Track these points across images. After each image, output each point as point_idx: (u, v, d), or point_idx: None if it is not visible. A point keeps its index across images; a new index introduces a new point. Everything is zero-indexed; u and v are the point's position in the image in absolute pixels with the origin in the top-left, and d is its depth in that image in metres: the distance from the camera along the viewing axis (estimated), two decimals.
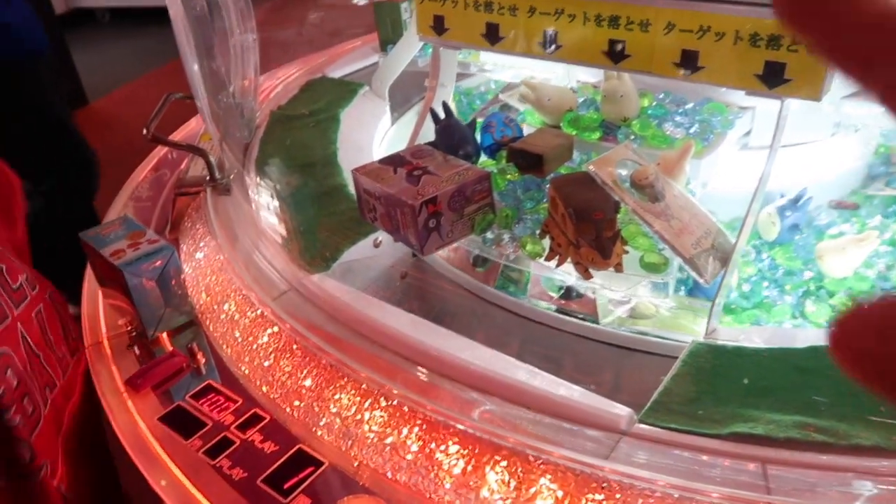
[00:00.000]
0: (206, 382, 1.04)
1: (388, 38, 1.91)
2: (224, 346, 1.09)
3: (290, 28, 2.20)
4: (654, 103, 1.27)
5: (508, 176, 1.12)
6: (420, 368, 0.93)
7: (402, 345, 0.96)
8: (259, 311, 1.07)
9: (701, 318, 0.99)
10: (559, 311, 1.09)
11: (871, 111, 1.32)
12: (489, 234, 1.03)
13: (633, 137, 1.20)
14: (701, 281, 0.92)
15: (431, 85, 1.30)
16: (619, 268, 0.94)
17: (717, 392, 0.85)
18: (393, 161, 1.09)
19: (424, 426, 0.85)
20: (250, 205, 1.30)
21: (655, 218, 0.94)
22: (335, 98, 1.81)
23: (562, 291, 1.10)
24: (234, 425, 0.96)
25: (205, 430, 0.95)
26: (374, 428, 0.89)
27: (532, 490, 0.77)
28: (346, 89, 1.86)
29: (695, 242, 0.95)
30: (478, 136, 1.23)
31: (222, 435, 0.94)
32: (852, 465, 0.73)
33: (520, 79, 1.88)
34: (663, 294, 0.98)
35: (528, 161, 1.11)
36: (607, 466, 0.77)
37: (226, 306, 1.11)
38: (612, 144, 1.23)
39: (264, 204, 1.30)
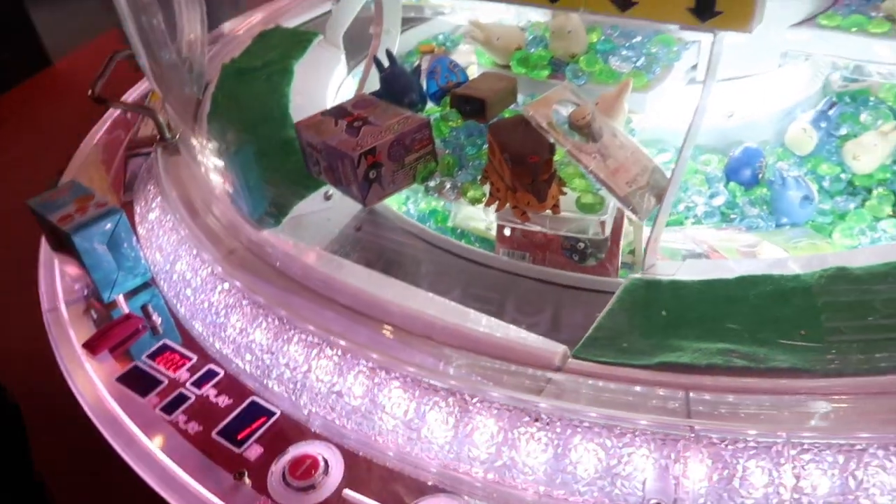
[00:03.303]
0: (161, 342, 1.06)
1: None
2: (178, 305, 1.11)
3: None
4: (603, 38, 1.26)
5: (451, 122, 1.12)
6: (363, 317, 0.95)
7: (343, 295, 0.98)
8: (209, 269, 1.09)
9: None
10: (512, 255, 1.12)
11: (820, 38, 1.32)
12: (431, 183, 1.03)
13: (580, 73, 1.19)
14: (635, 218, 0.94)
15: (376, 32, 1.29)
16: (555, 209, 0.95)
17: (649, 325, 0.87)
18: (335, 112, 1.09)
19: (367, 373, 0.88)
20: (198, 163, 1.29)
21: (590, 158, 0.95)
22: (288, 49, 1.78)
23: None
24: (189, 381, 0.99)
25: (161, 387, 0.98)
26: (322, 377, 0.91)
27: (469, 427, 0.81)
28: (300, 39, 1.83)
29: (630, 181, 0.96)
30: (423, 83, 1.23)
31: (178, 391, 0.97)
32: (770, 387, 0.76)
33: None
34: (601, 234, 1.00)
35: (471, 106, 1.11)
36: (541, 402, 0.80)
37: (178, 266, 1.13)
38: (560, 81, 1.22)
39: (213, 161, 1.30)
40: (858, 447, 0.68)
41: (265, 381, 0.96)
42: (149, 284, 1.18)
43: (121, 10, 1.26)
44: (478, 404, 0.81)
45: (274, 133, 1.39)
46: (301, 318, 0.97)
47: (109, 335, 1.07)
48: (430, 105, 1.23)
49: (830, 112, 1.25)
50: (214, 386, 0.97)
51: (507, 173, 0.94)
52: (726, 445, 0.71)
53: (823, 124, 1.22)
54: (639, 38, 1.24)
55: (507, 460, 0.78)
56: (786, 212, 1.08)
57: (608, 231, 0.98)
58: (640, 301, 0.91)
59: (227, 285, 1.05)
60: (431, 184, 1.03)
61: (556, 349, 0.85)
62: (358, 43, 1.87)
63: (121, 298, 1.16)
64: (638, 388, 0.80)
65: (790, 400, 0.74)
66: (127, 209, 1.16)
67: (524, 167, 0.92)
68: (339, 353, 0.91)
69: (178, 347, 1.05)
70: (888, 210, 1.13)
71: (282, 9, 2.11)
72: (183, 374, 1.00)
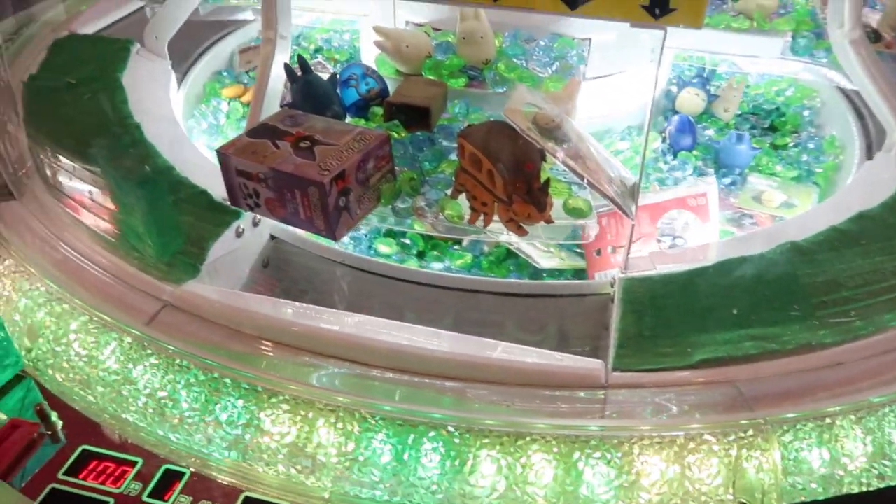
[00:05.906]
0: (79, 449, 0.80)
1: None
2: (87, 396, 0.85)
3: None
4: (507, 43, 1.23)
5: (394, 134, 1.01)
6: (374, 368, 0.81)
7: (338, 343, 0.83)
8: (129, 343, 0.85)
9: None
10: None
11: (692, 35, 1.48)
12: (400, 204, 0.92)
13: (499, 80, 1.15)
14: (628, 218, 0.92)
15: (267, 37, 1.10)
16: (550, 219, 0.90)
17: (668, 323, 0.87)
18: (265, 133, 0.91)
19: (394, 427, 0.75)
20: (64, 207, 1.01)
21: (575, 162, 0.91)
22: (105, 60, 1.47)
23: None
24: (146, 494, 0.76)
25: None
26: (332, 451, 0.76)
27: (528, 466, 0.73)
28: (114, 48, 1.53)
29: (609, 180, 0.94)
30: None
31: None
32: (806, 364, 0.80)
33: (318, 23, 1.72)
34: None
35: (414, 116, 1.01)
36: (603, 424, 0.75)
37: (77, 345, 0.86)
38: (480, 91, 1.17)
39: (79, 203, 1.02)
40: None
41: (255, 466, 0.77)
42: (21, 377, 0.89)
43: None
44: (532, 442, 0.74)
45: (141, 163, 1.14)
46: (284, 380, 0.80)
47: None
48: (347, 118, 1.10)
49: (707, 75, 1.46)
50: (186, 491, 0.76)
51: (499, 185, 0.87)
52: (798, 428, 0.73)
53: (710, 87, 1.42)
54: (543, 42, 1.24)
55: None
56: (738, 162, 1.28)
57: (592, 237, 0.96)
58: (645, 301, 0.90)
59: (160, 358, 0.83)
60: (401, 205, 0.91)
61: (597, 365, 0.81)
62: (177, 52, 1.63)
63: None
64: (692, 390, 0.79)
65: (831, 372, 0.79)
66: None
67: (521, 176, 0.85)
68: (337, 414, 0.76)
69: (106, 451, 0.80)
70: (767, 142, 1.38)
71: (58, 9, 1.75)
72: (133, 485, 0.76)
